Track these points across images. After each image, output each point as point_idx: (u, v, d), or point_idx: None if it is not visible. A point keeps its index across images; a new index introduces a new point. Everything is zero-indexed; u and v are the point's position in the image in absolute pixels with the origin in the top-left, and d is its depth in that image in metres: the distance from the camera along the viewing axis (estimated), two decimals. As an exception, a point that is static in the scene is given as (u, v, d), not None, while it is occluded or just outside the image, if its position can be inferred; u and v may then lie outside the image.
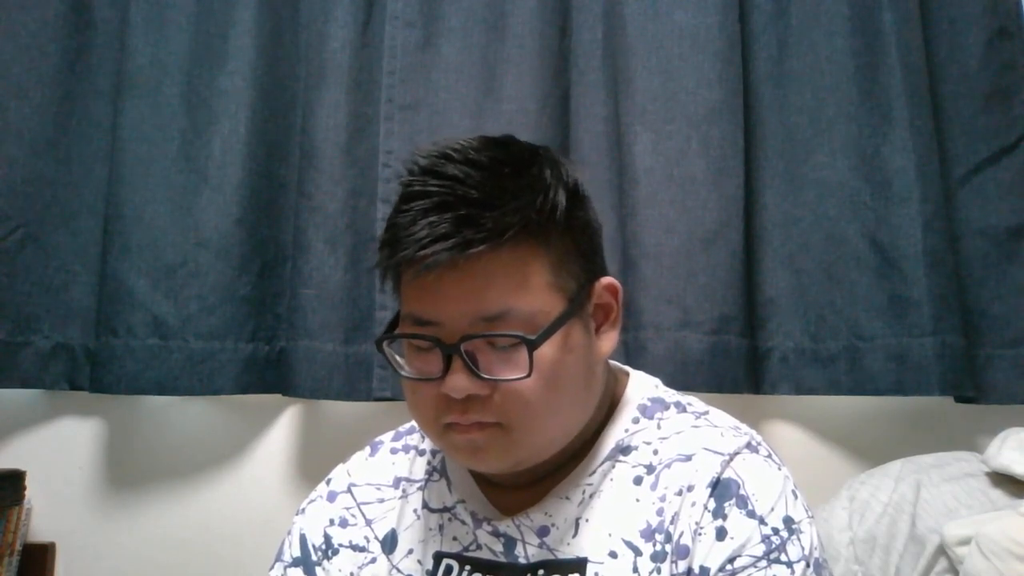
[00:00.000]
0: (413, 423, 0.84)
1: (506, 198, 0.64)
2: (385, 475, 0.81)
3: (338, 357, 1.25)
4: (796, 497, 0.69)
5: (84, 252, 1.34)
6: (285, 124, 1.35)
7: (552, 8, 1.30)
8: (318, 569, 0.79)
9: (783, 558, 0.65)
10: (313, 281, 1.26)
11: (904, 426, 1.23)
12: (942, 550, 0.92)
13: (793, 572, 0.64)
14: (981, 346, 1.19)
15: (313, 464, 1.33)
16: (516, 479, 0.73)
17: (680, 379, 1.14)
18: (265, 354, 1.30)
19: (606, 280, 0.72)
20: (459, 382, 0.64)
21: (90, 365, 1.29)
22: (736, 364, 1.18)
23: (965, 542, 0.88)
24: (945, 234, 1.17)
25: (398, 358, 0.70)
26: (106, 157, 1.33)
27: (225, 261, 1.28)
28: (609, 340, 0.72)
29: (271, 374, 1.30)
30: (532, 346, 0.64)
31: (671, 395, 0.78)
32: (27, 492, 1.27)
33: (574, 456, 0.73)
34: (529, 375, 0.64)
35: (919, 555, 0.94)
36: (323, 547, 0.79)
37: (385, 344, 0.70)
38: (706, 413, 0.75)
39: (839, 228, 1.22)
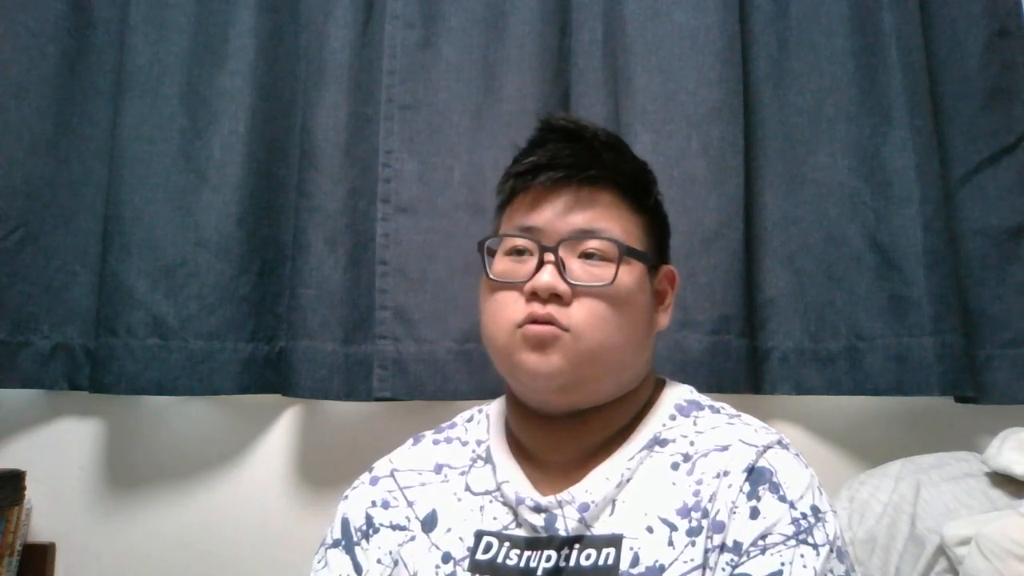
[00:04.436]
0: (454, 420, 0.90)
1: (623, 152, 0.80)
2: (427, 462, 0.86)
3: (338, 357, 1.25)
4: (821, 493, 0.73)
5: (84, 252, 1.34)
6: (285, 124, 1.35)
7: (552, 8, 1.30)
8: (357, 549, 0.82)
9: (810, 540, 0.69)
10: (313, 281, 1.26)
11: (904, 426, 1.23)
12: (942, 550, 0.92)
13: (819, 554, 0.68)
14: (981, 346, 1.19)
15: (313, 464, 1.33)
16: (562, 449, 0.78)
17: (680, 379, 1.12)
18: (265, 354, 1.30)
19: (669, 267, 0.85)
20: (547, 278, 0.73)
21: (90, 365, 1.29)
22: (736, 364, 1.18)
23: (965, 542, 0.88)
24: (945, 234, 1.17)
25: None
26: (106, 157, 1.33)
27: (225, 261, 1.28)
28: (664, 318, 0.83)
29: (271, 374, 1.30)
30: (622, 251, 0.75)
31: (705, 399, 0.84)
32: (27, 492, 1.27)
33: (612, 441, 0.78)
34: (612, 283, 0.74)
35: (919, 555, 0.94)
36: (364, 527, 0.83)
37: (485, 253, 0.80)
38: (738, 415, 0.81)
39: (839, 228, 1.22)
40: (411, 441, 0.90)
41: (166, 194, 1.29)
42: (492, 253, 0.80)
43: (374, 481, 0.86)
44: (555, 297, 0.73)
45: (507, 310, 0.76)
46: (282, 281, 1.32)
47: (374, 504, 0.84)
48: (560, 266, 0.74)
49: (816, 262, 1.23)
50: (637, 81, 1.25)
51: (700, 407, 0.81)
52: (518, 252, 0.78)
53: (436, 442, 0.88)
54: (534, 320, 0.73)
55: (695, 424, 0.79)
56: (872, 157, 1.21)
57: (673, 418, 0.79)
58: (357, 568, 0.81)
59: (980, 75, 1.23)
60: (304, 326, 1.25)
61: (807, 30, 1.27)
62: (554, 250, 0.74)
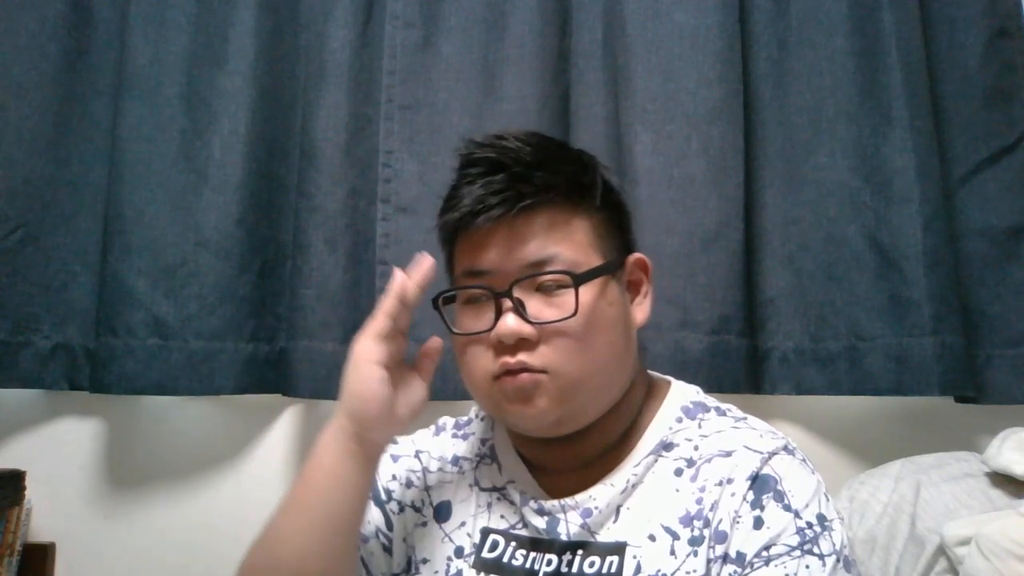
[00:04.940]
0: (470, 415, 0.91)
1: (554, 163, 0.74)
2: (446, 452, 0.87)
3: (338, 357, 1.24)
4: (828, 500, 0.72)
5: (84, 252, 1.34)
6: (285, 124, 1.35)
7: (552, 8, 1.30)
8: (387, 507, 0.83)
9: (816, 550, 0.67)
10: (313, 281, 1.26)
11: (904, 426, 1.23)
12: (942, 550, 0.92)
13: (824, 565, 0.67)
14: (981, 346, 1.19)
15: (313, 464, 1.33)
16: (564, 461, 0.77)
17: (680, 379, 1.14)
18: (265, 354, 1.30)
19: (637, 255, 0.81)
20: (510, 324, 0.70)
21: (90, 365, 1.29)
22: (736, 364, 1.18)
23: (965, 542, 0.88)
24: (945, 234, 1.17)
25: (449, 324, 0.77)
26: (106, 157, 1.33)
27: (225, 261, 1.28)
28: (642, 311, 0.80)
29: (271, 374, 1.30)
30: (577, 281, 0.71)
31: (711, 401, 0.82)
32: (27, 492, 1.27)
33: (616, 446, 0.77)
34: (574, 314, 0.70)
35: (919, 555, 0.94)
36: (387, 495, 0.84)
37: (441, 306, 0.78)
38: (744, 418, 0.79)
39: (839, 228, 1.22)
40: (432, 429, 0.91)
41: (166, 194, 1.29)
42: (451, 300, 0.78)
43: (395, 458, 0.87)
44: (522, 341, 0.71)
45: (479, 363, 0.74)
46: (282, 281, 1.32)
47: (394, 478, 0.85)
48: (519, 308, 0.71)
49: (816, 262, 1.23)
50: (637, 81, 1.25)
51: (706, 409, 0.80)
52: (475, 299, 0.75)
53: (455, 436, 0.89)
54: (508, 371, 0.71)
55: (700, 427, 0.77)
56: (872, 157, 1.21)
57: (680, 420, 0.78)
58: (388, 525, 0.82)
59: (980, 75, 1.23)
60: (304, 326, 1.25)
61: (807, 30, 1.27)
62: (508, 295, 0.71)
